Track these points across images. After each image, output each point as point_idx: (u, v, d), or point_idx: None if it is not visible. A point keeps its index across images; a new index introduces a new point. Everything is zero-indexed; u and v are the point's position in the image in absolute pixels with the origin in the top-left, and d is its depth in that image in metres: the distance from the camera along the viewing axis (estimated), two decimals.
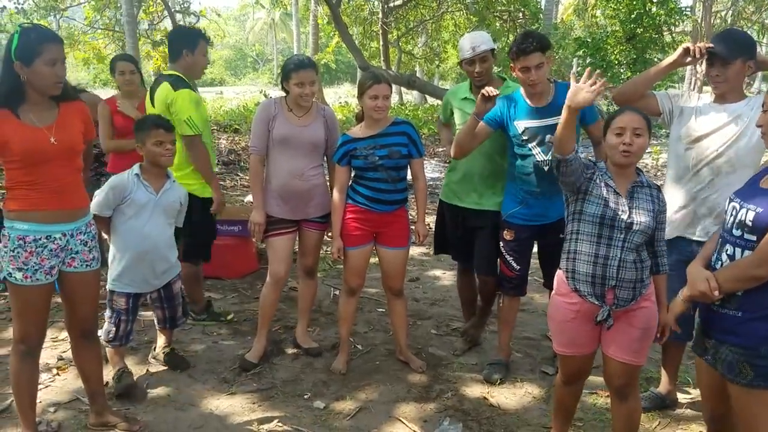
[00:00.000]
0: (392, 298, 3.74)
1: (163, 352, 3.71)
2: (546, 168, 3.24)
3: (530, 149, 3.29)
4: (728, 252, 2.16)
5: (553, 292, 2.66)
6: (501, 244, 3.56)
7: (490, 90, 3.14)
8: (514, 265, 3.53)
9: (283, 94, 3.64)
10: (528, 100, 3.30)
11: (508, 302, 3.69)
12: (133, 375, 3.45)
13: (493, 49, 3.58)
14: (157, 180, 3.32)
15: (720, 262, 2.19)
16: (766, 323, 2.06)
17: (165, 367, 3.67)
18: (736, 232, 2.13)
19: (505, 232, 3.51)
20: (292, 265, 3.92)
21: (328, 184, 3.74)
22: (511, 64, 3.28)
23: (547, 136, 3.20)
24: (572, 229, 2.56)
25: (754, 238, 2.06)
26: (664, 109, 3.08)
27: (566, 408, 2.84)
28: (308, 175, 3.58)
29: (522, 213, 3.45)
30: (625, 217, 2.44)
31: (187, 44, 3.91)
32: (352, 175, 3.56)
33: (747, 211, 2.09)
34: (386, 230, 3.56)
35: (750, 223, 2.07)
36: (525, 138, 3.28)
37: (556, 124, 3.08)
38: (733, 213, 2.16)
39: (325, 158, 3.75)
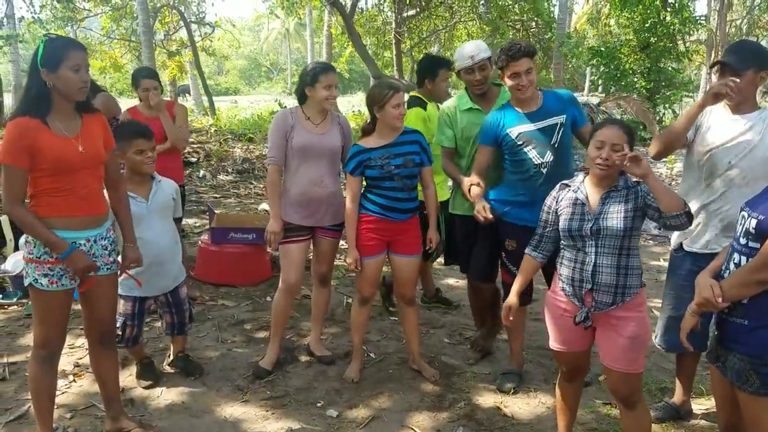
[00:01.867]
0: (404, 306, 3.75)
1: (177, 358, 3.75)
2: (544, 170, 3.31)
3: (526, 153, 3.32)
4: (735, 261, 2.17)
5: (549, 289, 2.81)
6: (503, 253, 3.56)
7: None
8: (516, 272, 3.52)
9: (297, 104, 3.68)
10: (518, 108, 3.37)
11: None
12: (153, 362, 3.67)
13: (490, 57, 3.65)
14: (142, 187, 3.34)
15: (728, 272, 2.19)
16: None
17: (179, 375, 3.70)
18: (743, 241, 2.15)
19: (507, 242, 3.49)
20: (305, 273, 3.93)
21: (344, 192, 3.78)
22: (500, 74, 3.35)
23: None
24: (561, 241, 2.72)
25: (758, 245, 2.07)
26: (690, 135, 3.03)
27: (568, 405, 2.90)
28: (327, 183, 3.62)
29: (516, 213, 3.43)
30: (590, 225, 2.54)
31: (429, 74, 4.33)
32: (364, 185, 3.59)
33: (752, 219, 2.11)
34: (400, 238, 3.57)
35: (753, 231, 2.09)
36: (520, 143, 3.32)
37: (548, 127, 3.33)
38: (742, 222, 2.17)
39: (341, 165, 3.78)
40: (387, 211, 3.49)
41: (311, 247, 3.83)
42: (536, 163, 3.32)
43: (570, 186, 2.69)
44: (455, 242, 3.99)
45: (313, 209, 3.63)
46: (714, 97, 2.82)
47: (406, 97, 3.88)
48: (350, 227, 3.54)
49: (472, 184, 3.40)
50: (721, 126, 2.92)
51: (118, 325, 3.36)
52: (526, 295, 3.58)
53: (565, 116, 3.35)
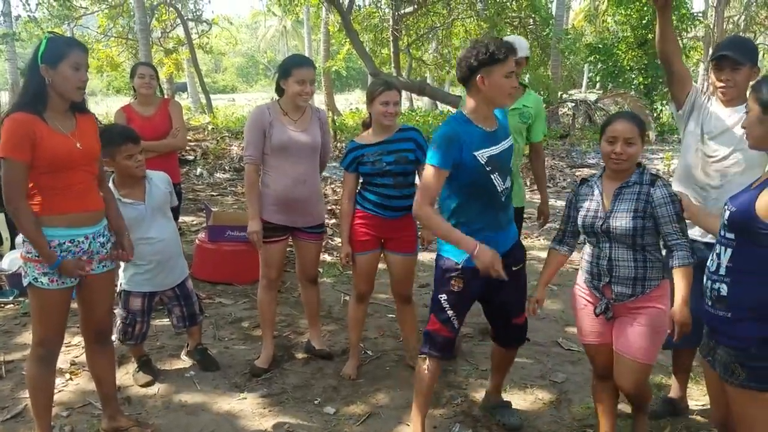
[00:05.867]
0: (401, 304, 3.75)
1: (197, 350, 3.79)
2: (503, 198, 2.76)
3: (493, 180, 2.69)
4: (716, 251, 2.20)
5: (575, 283, 2.84)
6: (443, 296, 2.82)
7: None
8: (455, 323, 2.85)
9: (276, 98, 3.62)
10: (482, 126, 2.69)
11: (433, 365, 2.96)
12: (150, 360, 3.69)
13: (527, 57, 3.56)
14: (136, 190, 3.31)
15: (713, 262, 2.22)
16: (754, 323, 2.07)
17: (177, 368, 3.72)
18: (722, 232, 2.19)
19: (453, 281, 2.78)
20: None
21: (321, 191, 3.78)
22: (480, 77, 2.56)
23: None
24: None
25: (732, 235, 2.12)
26: (690, 100, 3.03)
27: (605, 408, 2.86)
28: (311, 182, 3.60)
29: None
30: (600, 223, 2.56)
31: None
32: (360, 181, 3.58)
33: (727, 212, 2.15)
34: (394, 236, 3.57)
35: (726, 222, 2.14)
36: (488, 169, 2.67)
37: (508, 149, 2.79)
38: (723, 215, 2.22)
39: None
40: (379, 209, 3.48)
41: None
42: (500, 190, 2.73)
43: (589, 181, 2.71)
44: None
45: (295, 209, 3.59)
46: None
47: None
48: (344, 223, 3.55)
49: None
50: (716, 119, 2.93)
51: (127, 323, 3.41)
52: (449, 349, 2.99)
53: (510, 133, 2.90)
